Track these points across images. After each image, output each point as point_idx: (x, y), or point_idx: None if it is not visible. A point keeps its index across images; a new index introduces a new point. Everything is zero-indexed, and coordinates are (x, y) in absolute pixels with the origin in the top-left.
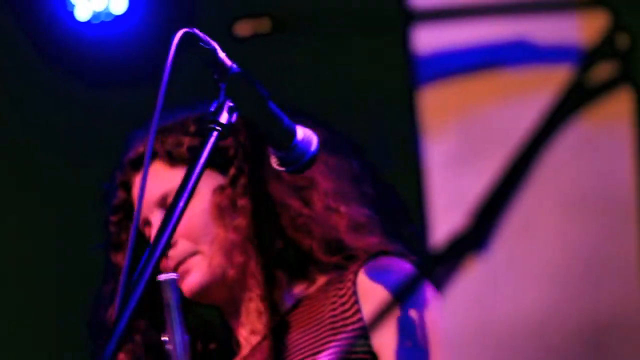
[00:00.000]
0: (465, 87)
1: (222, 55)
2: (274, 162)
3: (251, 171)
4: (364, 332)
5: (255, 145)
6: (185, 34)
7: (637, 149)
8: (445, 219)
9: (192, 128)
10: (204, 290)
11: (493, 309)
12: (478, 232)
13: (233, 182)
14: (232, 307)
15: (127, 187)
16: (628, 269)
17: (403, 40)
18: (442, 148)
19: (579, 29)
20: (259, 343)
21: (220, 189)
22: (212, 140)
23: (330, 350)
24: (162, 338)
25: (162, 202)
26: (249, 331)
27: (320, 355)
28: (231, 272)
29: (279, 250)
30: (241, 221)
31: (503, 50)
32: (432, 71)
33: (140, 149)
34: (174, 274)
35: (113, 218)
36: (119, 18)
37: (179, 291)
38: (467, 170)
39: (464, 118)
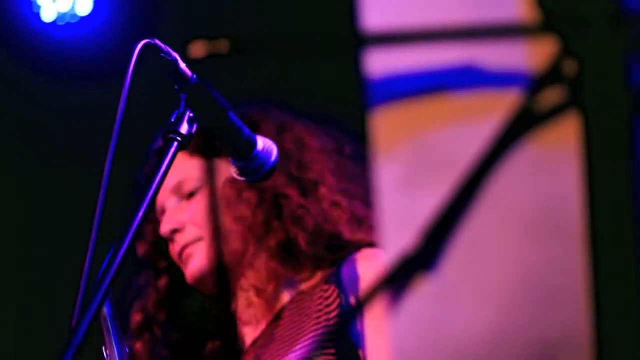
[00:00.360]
0: (417, 111)
1: (182, 66)
2: (234, 172)
3: None
4: (339, 326)
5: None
6: (146, 44)
7: (584, 173)
8: (396, 239)
9: None
10: (204, 277)
11: (442, 328)
12: (427, 253)
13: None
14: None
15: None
16: (574, 291)
17: (356, 64)
18: (393, 170)
19: (528, 55)
20: (256, 340)
21: (231, 181)
22: (172, 151)
23: (303, 344)
24: (104, 352)
25: (177, 190)
26: (244, 323)
27: (295, 348)
28: (227, 260)
29: (280, 243)
30: (244, 211)
31: (453, 74)
32: (384, 94)
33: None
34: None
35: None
36: (84, 19)
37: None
38: (417, 192)
39: (415, 141)
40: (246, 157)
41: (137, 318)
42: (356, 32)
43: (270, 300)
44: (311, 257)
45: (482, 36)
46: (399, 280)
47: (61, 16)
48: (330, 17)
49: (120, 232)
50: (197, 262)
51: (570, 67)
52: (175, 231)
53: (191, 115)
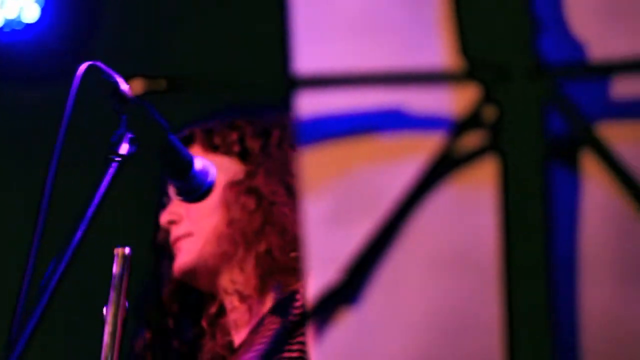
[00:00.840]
0: (345, 150)
1: (123, 87)
2: (172, 191)
3: (265, 171)
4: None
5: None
6: (89, 66)
7: (500, 213)
8: (320, 273)
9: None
10: (191, 273)
11: (364, 359)
12: (350, 286)
13: (246, 178)
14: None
15: None
16: (490, 321)
17: (287, 105)
18: (320, 206)
19: (451, 101)
20: (240, 346)
21: (232, 184)
22: (112, 171)
23: (259, 347)
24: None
25: None
26: (228, 326)
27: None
28: (215, 261)
29: (269, 250)
30: (240, 215)
31: (381, 117)
32: (313, 134)
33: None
34: (128, 250)
35: None
36: (31, 26)
37: (128, 266)
38: (343, 228)
39: (342, 179)
40: (184, 177)
41: (150, 307)
42: (288, 75)
43: (253, 307)
44: (290, 266)
45: (409, 81)
46: (323, 312)
47: (7, 22)
48: (264, 59)
49: (62, 244)
50: (183, 257)
51: (490, 113)
52: (171, 222)
53: (131, 136)
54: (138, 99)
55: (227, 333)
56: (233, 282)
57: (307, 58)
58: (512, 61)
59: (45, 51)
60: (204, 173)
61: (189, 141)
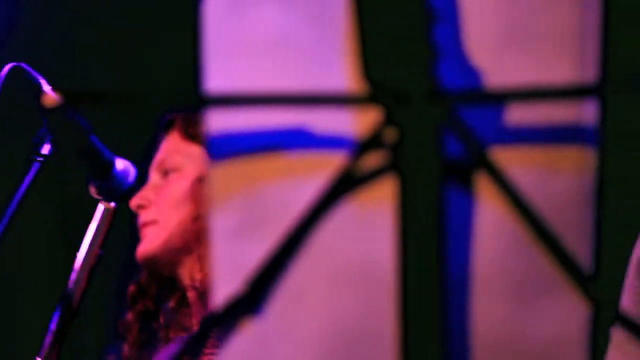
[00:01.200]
0: (252, 167)
1: (46, 89)
2: (92, 191)
3: None
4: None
5: None
6: (12, 67)
7: (398, 231)
8: (226, 284)
9: None
10: (153, 261)
11: None
12: (253, 298)
13: None
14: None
15: None
16: (386, 336)
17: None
18: (227, 220)
19: (354, 122)
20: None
21: (201, 179)
22: (33, 170)
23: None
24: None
25: (158, 166)
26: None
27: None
28: (177, 254)
29: None
30: (205, 212)
31: (286, 135)
32: (222, 150)
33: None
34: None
35: None
36: None
37: (108, 220)
38: (248, 241)
39: (249, 194)
40: (104, 177)
41: (131, 289)
42: (198, 93)
43: (209, 305)
44: None
45: (314, 102)
46: (227, 321)
47: None
48: (177, 77)
49: None
50: (147, 244)
51: (390, 135)
52: (140, 206)
53: (52, 136)
54: (61, 100)
55: (184, 326)
56: (192, 278)
57: (217, 76)
58: (411, 86)
59: None
60: (124, 174)
61: (169, 126)
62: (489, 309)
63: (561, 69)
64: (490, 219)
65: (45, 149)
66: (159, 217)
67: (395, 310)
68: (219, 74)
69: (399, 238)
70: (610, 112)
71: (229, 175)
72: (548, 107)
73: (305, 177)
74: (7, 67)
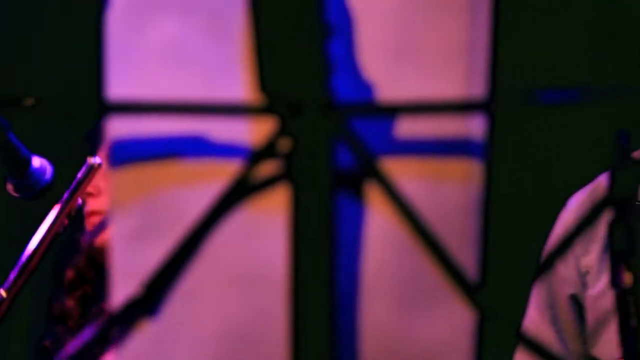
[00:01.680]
0: (150, 173)
1: None
2: (10, 188)
3: None
4: None
5: None
6: None
7: (290, 237)
8: (125, 286)
9: None
10: (100, 249)
11: None
12: (149, 299)
13: None
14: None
15: None
16: (278, 337)
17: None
18: (126, 224)
19: (249, 131)
20: None
21: None
22: None
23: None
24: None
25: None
26: None
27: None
28: None
29: None
30: None
31: (184, 143)
32: (123, 156)
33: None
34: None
35: None
36: None
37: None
38: (147, 245)
39: (148, 199)
40: (21, 174)
41: (69, 275)
42: (100, 99)
43: None
44: None
45: (212, 112)
46: (123, 322)
47: None
48: (79, 84)
49: None
50: (95, 235)
51: (284, 144)
52: (88, 194)
53: None
54: None
55: None
56: None
57: (119, 84)
58: (306, 97)
59: None
60: (41, 171)
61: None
62: (377, 315)
63: (450, 84)
64: (379, 228)
65: None
66: (105, 209)
67: (286, 313)
68: (121, 82)
69: (291, 244)
70: (497, 126)
71: (129, 180)
72: (437, 120)
73: (202, 184)
74: None
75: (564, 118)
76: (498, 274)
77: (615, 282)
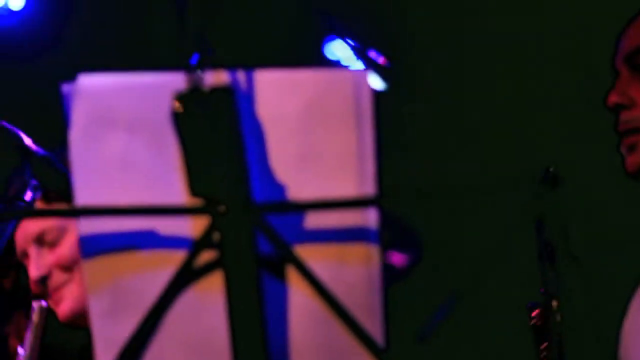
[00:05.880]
0: (115, 262)
1: (27, 141)
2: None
3: None
4: None
5: None
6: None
7: (228, 313)
8: (105, 356)
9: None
10: (76, 316)
11: None
12: None
13: None
14: None
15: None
16: None
17: None
18: (101, 305)
19: (188, 227)
20: None
21: None
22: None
23: None
24: (19, 350)
25: (38, 238)
26: None
27: None
28: None
29: None
30: None
31: (139, 237)
32: (92, 249)
33: (12, 192)
34: (44, 302)
35: None
36: (16, 13)
37: (45, 317)
38: (119, 321)
39: (115, 283)
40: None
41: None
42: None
43: None
44: None
45: (158, 213)
46: None
47: None
48: None
49: None
50: (68, 304)
51: (217, 236)
52: (44, 277)
53: (35, 183)
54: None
55: None
56: None
57: (83, 190)
58: (230, 198)
59: (28, 37)
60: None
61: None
62: None
63: (345, 183)
64: (299, 302)
65: (28, 196)
66: (69, 277)
67: None
68: (85, 188)
69: (229, 319)
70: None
71: (98, 269)
72: (338, 213)
73: (156, 269)
74: None
75: None
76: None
77: None
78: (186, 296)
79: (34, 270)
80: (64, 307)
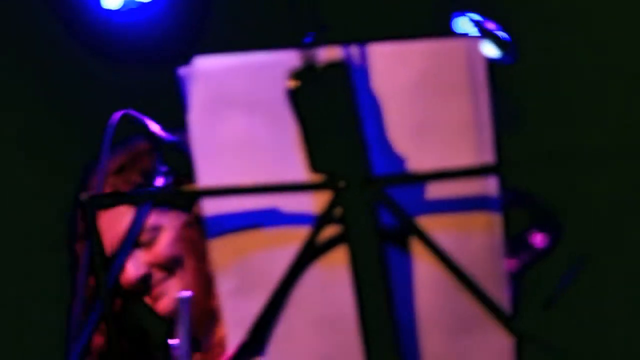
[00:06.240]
0: (240, 241)
1: (154, 128)
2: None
3: None
4: None
5: None
6: (123, 115)
7: (354, 287)
8: (236, 334)
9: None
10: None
11: None
12: (256, 342)
13: (200, 219)
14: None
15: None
16: None
17: None
18: (229, 284)
19: (311, 203)
20: None
21: (188, 224)
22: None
23: None
24: (170, 342)
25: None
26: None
27: None
28: (210, 302)
29: None
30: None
31: (262, 215)
32: (217, 229)
33: (106, 190)
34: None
35: (80, 246)
36: (146, 5)
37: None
38: (247, 299)
39: (241, 262)
40: None
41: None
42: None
43: None
44: None
45: (285, 189)
46: None
47: (125, 3)
48: None
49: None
50: (169, 299)
51: (338, 212)
52: (144, 276)
53: (165, 169)
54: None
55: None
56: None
57: (206, 172)
58: (350, 173)
59: (159, 33)
60: None
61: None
62: (432, 343)
63: (464, 153)
64: (424, 273)
65: (159, 182)
66: (171, 274)
67: (360, 346)
68: (207, 170)
69: (355, 293)
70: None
71: (224, 249)
72: (458, 183)
73: (280, 247)
74: (117, 116)
75: None
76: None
77: None
78: (312, 272)
79: (134, 271)
80: (165, 303)
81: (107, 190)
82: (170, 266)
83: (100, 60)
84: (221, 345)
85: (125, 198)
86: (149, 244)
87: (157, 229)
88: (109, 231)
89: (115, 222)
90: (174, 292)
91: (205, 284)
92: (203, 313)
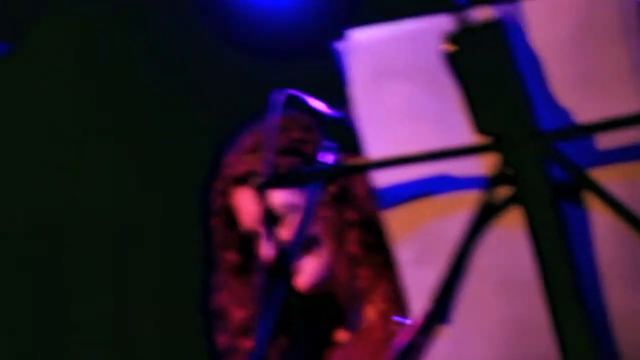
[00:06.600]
0: (413, 210)
1: (315, 104)
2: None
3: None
4: None
5: None
6: (288, 96)
7: (532, 245)
8: (419, 302)
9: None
10: (315, 286)
11: None
12: (440, 309)
13: (336, 198)
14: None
15: (225, 195)
16: (544, 329)
17: None
18: (408, 253)
19: (479, 166)
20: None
21: (324, 204)
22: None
23: None
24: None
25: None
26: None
27: None
28: (354, 283)
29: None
30: (354, 235)
31: (432, 183)
32: (389, 200)
33: (243, 168)
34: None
35: (216, 221)
36: None
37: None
38: (426, 267)
39: (417, 231)
40: None
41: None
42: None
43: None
44: None
45: (450, 155)
46: (425, 331)
47: None
48: None
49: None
50: (307, 275)
51: (509, 171)
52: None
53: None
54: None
55: None
56: (370, 295)
57: (373, 144)
58: (517, 131)
59: (303, 21)
60: None
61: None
62: (615, 300)
63: (629, 100)
64: (602, 226)
65: (329, 159)
66: (304, 251)
67: (545, 306)
68: (374, 142)
69: (535, 252)
70: None
71: (399, 219)
72: (627, 131)
73: (454, 211)
74: (282, 97)
75: None
76: None
77: None
78: (488, 235)
79: (270, 250)
80: (304, 279)
81: (242, 168)
82: (305, 244)
83: (240, 45)
84: (370, 329)
85: (300, 177)
86: (282, 222)
87: (291, 208)
88: (245, 209)
89: (251, 202)
90: (310, 268)
91: (346, 264)
92: (347, 294)
